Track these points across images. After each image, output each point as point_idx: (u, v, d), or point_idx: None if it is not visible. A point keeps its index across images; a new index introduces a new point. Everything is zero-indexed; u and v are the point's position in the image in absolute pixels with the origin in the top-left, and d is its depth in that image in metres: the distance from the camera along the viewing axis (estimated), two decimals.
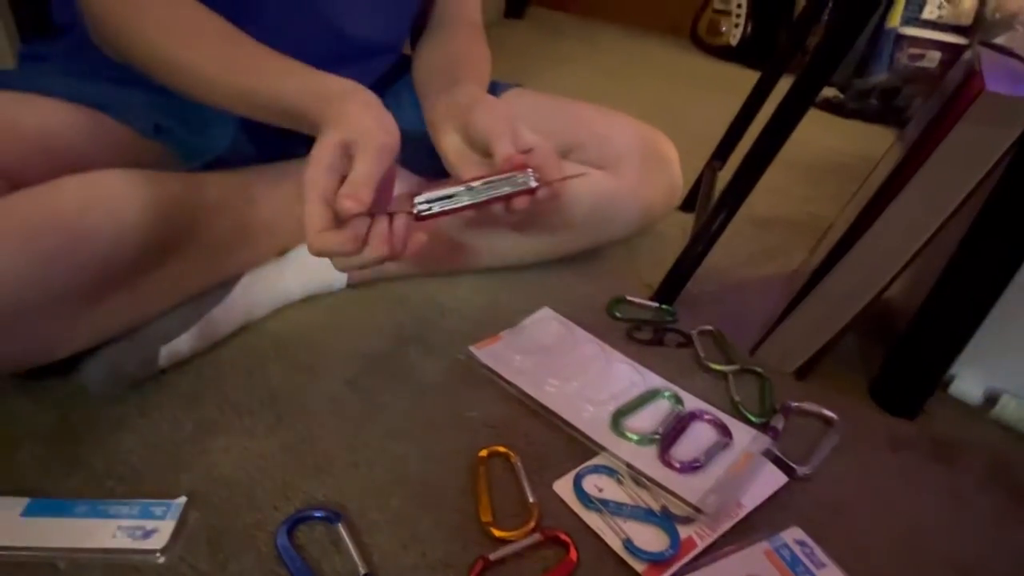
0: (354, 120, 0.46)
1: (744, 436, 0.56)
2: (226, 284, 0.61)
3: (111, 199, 0.48)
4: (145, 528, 0.44)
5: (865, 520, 0.53)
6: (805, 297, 0.64)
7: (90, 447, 0.51)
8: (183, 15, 0.52)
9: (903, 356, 0.63)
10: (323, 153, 0.45)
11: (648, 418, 0.58)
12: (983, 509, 0.55)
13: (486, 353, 0.63)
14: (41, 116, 0.54)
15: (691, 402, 0.60)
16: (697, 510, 0.49)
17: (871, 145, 1.36)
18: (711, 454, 0.54)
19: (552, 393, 0.59)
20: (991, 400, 0.64)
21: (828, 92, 1.69)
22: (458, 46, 0.71)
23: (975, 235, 0.56)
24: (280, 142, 0.62)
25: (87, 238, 0.46)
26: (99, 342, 0.53)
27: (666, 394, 0.60)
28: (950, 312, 0.60)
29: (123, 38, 0.53)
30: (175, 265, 0.54)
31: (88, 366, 0.53)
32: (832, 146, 1.42)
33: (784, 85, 0.70)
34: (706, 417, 0.58)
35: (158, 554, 0.43)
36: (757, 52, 1.93)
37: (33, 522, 0.44)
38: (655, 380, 0.62)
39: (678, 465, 0.52)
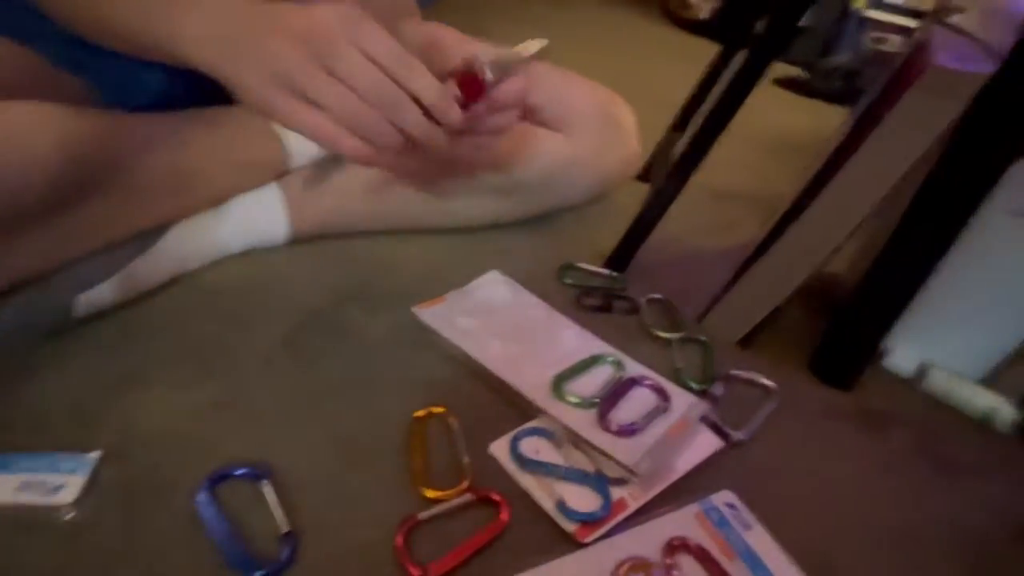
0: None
1: (682, 402, 0.56)
2: (156, 232, 0.58)
3: (18, 130, 0.44)
4: (52, 483, 0.42)
5: (796, 485, 0.54)
6: (751, 268, 0.64)
7: None
8: None
9: (840, 329, 0.64)
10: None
11: (590, 383, 0.57)
12: (909, 478, 0.57)
13: (429, 313, 0.62)
14: None
15: (633, 368, 0.60)
16: (631, 472, 0.49)
17: (833, 124, 1.38)
18: (649, 419, 0.54)
19: (495, 355, 0.58)
20: (921, 373, 0.66)
21: (793, 71, 1.70)
22: None
23: (912, 210, 0.57)
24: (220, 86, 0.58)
25: None
26: (9, 285, 0.49)
27: (609, 359, 0.60)
28: (885, 286, 0.61)
29: None
30: (94, 207, 0.51)
31: None
32: (795, 124, 1.43)
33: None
34: (646, 383, 0.58)
35: (65, 511, 0.41)
36: (728, 27, 1.92)
37: None
38: (600, 346, 0.62)
39: (615, 428, 0.52)
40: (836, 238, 0.59)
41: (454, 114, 0.44)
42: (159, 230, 0.58)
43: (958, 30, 0.68)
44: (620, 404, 0.55)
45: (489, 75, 0.45)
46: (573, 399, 0.54)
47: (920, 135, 0.53)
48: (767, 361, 0.66)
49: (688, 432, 0.53)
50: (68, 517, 0.41)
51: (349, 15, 0.41)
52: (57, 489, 0.42)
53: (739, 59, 0.70)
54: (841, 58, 1.70)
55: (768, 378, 0.63)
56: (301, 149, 0.66)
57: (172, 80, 0.60)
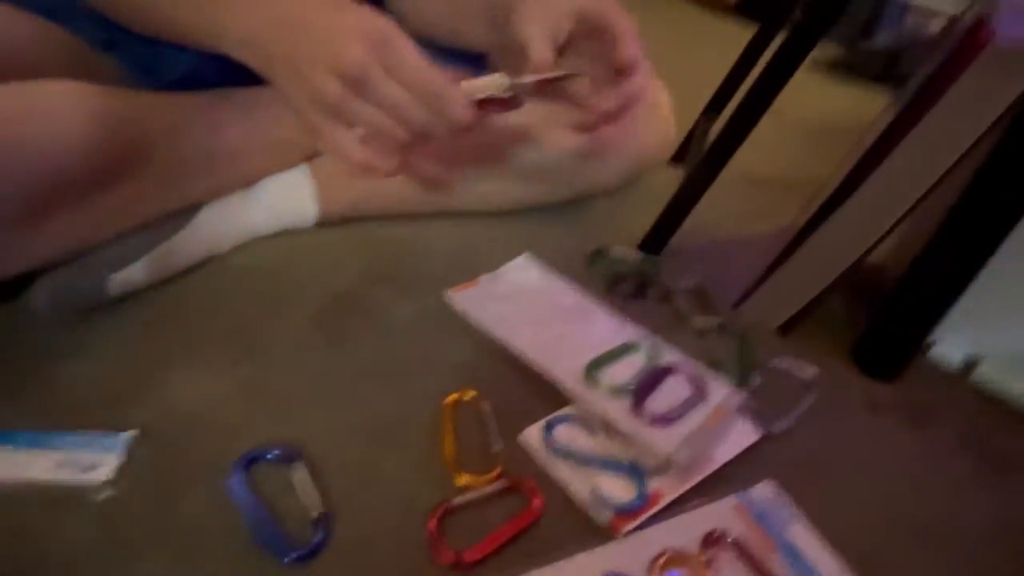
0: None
1: (719, 391, 0.55)
2: (187, 213, 0.58)
3: (50, 110, 0.44)
4: (88, 461, 0.42)
5: (837, 478, 0.52)
6: (792, 253, 0.62)
7: (34, 376, 0.48)
8: None
9: (886, 319, 0.62)
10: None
11: (624, 370, 0.56)
12: (953, 473, 0.55)
13: (461, 297, 0.61)
14: None
15: (669, 356, 0.58)
16: (667, 462, 0.47)
17: (873, 107, 1.33)
18: (685, 408, 0.52)
19: (527, 341, 0.57)
20: (970, 365, 0.63)
21: (833, 52, 1.65)
22: None
23: (968, 196, 0.54)
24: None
25: (22, 150, 0.42)
26: (44, 264, 0.49)
27: (643, 347, 0.59)
28: (935, 276, 0.58)
29: None
30: (127, 187, 0.51)
31: (34, 290, 0.50)
32: (834, 107, 1.38)
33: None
34: (682, 371, 0.56)
35: (100, 489, 0.41)
36: (759, 8, 1.87)
37: None
38: (633, 333, 0.60)
39: (650, 418, 0.51)
40: (884, 224, 0.56)
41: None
42: (191, 211, 0.58)
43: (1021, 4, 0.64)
44: (655, 393, 0.54)
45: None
46: (607, 387, 0.53)
47: (979, 116, 0.50)
48: (807, 350, 0.64)
49: (725, 422, 0.52)
50: (103, 496, 0.41)
51: (377, 38, 0.41)
52: (92, 468, 0.42)
53: (778, 42, 0.67)
54: (883, 40, 1.64)
55: (808, 368, 0.61)
56: None
57: (202, 58, 0.59)
